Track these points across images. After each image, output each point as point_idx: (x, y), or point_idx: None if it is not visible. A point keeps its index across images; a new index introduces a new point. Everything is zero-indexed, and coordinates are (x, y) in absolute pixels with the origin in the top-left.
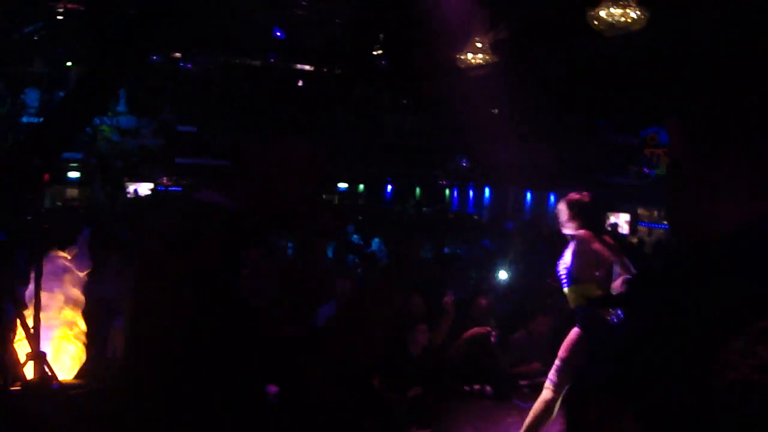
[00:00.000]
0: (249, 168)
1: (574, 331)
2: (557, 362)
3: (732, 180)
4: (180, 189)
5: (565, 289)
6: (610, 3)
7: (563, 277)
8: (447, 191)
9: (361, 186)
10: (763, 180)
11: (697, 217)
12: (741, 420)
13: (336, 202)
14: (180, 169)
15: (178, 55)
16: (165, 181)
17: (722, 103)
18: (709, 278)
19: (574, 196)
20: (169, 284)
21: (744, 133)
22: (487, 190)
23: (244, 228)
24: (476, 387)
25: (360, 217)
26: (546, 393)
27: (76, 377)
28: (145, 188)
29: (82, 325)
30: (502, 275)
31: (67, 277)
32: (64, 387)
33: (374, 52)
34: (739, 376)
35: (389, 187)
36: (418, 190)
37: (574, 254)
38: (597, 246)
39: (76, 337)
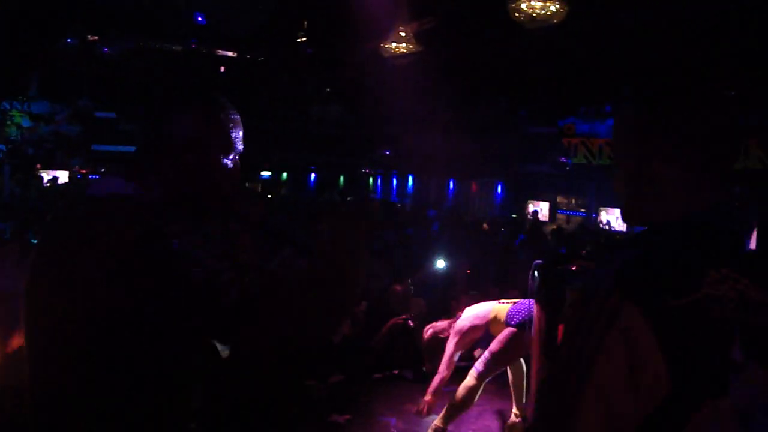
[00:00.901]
0: (163, 150)
1: (509, 330)
2: (486, 354)
3: (678, 177)
4: (97, 177)
5: None
6: None
7: None
8: (371, 180)
9: (285, 174)
10: (711, 174)
11: (646, 207)
12: (706, 327)
13: (259, 190)
14: (97, 157)
15: (94, 38)
16: (81, 170)
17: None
18: (693, 233)
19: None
20: (64, 286)
21: (678, 130)
22: (410, 179)
23: (150, 220)
24: (395, 372)
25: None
26: (469, 380)
27: None
28: (65, 176)
29: None
30: (440, 264)
31: None
32: None
33: (298, 40)
34: (717, 293)
35: (313, 176)
36: (341, 178)
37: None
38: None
39: None
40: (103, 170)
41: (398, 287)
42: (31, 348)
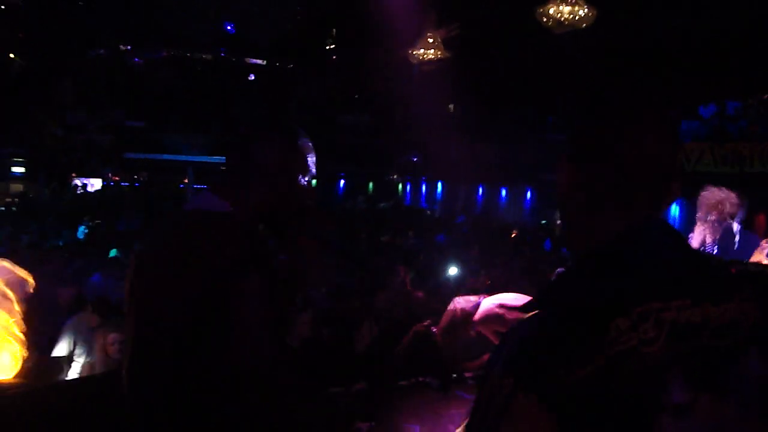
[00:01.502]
0: (252, 174)
1: None
2: None
3: (607, 199)
4: (127, 184)
5: None
6: (559, 0)
7: None
8: (399, 186)
9: (314, 181)
10: (626, 198)
11: (585, 233)
12: (621, 386)
13: None
14: (128, 164)
15: (126, 47)
16: (114, 176)
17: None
18: (594, 276)
19: None
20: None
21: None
22: (439, 185)
23: (250, 236)
24: (420, 379)
25: None
26: None
27: (16, 376)
28: (98, 183)
29: (22, 324)
30: (452, 270)
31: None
32: (3, 387)
33: (326, 47)
34: (626, 347)
35: (342, 183)
36: (371, 185)
37: None
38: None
39: (15, 336)
40: (135, 177)
41: (420, 293)
42: (133, 340)
